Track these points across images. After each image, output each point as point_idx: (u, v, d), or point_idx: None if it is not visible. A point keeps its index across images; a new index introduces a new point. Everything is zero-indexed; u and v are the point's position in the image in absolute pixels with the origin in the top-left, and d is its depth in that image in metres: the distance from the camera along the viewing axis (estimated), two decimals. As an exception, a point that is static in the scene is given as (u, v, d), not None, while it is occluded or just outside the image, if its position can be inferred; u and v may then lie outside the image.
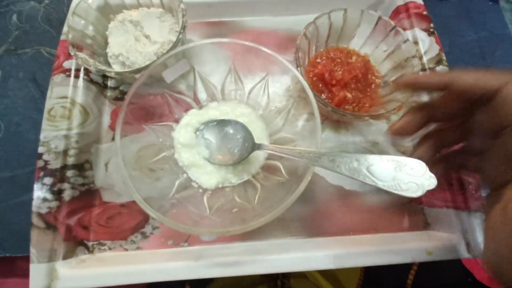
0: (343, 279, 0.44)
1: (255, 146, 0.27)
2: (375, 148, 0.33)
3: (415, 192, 0.18)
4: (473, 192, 0.28)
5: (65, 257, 0.27)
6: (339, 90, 0.31)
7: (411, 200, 0.31)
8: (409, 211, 0.31)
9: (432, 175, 0.18)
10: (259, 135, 0.30)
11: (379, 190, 0.20)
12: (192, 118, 0.30)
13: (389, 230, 0.30)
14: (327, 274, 0.45)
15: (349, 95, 0.31)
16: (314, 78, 0.32)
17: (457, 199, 0.29)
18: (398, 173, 0.19)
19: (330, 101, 0.31)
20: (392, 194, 0.19)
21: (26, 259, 0.30)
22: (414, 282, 0.40)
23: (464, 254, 0.27)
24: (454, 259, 0.27)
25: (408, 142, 0.33)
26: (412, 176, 0.18)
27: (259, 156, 0.30)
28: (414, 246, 0.27)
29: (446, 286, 0.39)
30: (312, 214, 0.30)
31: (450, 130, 0.24)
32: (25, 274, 0.31)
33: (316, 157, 0.22)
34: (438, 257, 0.27)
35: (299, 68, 0.28)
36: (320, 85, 0.32)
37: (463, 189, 0.29)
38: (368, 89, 0.32)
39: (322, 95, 0.31)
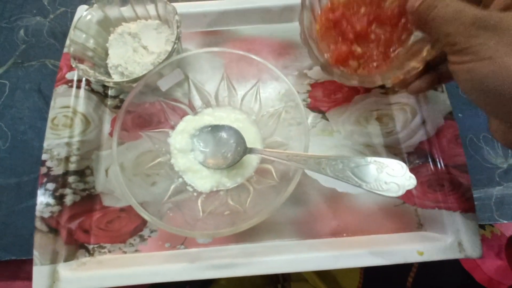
0: (343, 282, 0.44)
1: (247, 150, 0.28)
2: (368, 151, 0.34)
3: (395, 192, 0.19)
4: (464, 193, 0.28)
5: (66, 260, 0.28)
6: (349, 45, 0.27)
7: (404, 201, 0.31)
8: (402, 213, 0.31)
9: (412, 175, 0.19)
10: (253, 140, 0.31)
11: (371, 192, 0.21)
12: (187, 124, 0.32)
13: (382, 232, 0.30)
14: (326, 277, 0.45)
15: (358, 49, 0.27)
16: (327, 26, 0.27)
17: (449, 200, 0.29)
18: (380, 174, 0.19)
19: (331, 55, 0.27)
20: (377, 194, 0.19)
21: (31, 263, 0.31)
22: (413, 284, 0.40)
23: (456, 254, 0.27)
24: (446, 259, 0.27)
25: (399, 145, 0.33)
26: (393, 176, 0.19)
27: (253, 160, 0.31)
28: (407, 247, 0.28)
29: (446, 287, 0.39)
30: (306, 217, 0.31)
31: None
32: (31, 277, 0.33)
33: (303, 159, 0.23)
34: (430, 257, 0.27)
35: (305, 11, 0.27)
36: (334, 35, 0.27)
37: (454, 190, 0.29)
38: (393, 43, 0.27)
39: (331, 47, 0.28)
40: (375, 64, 0.28)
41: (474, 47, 0.17)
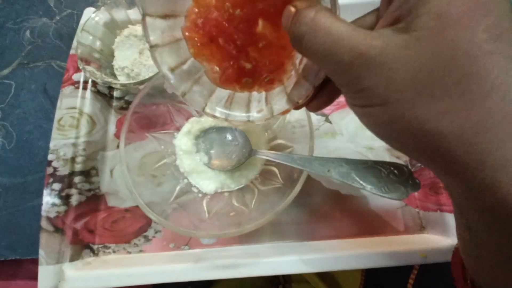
0: (344, 284, 0.44)
1: (252, 152, 0.28)
2: (370, 153, 0.34)
3: (400, 195, 0.19)
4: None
5: (72, 259, 0.28)
6: (235, 64, 0.18)
7: (407, 203, 0.32)
8: (404, 215, 0.31)
9: (417, 179, 0.19)
10: (258, 142, 0.31)
11: (375, 194, 0.21)
12: (193, 126, 0.32)
13: (384, 234, 0.31)
14: (328, 279, 0.45)
15: (247, 65, 0.18)
16: (199, 41, 0.18)
17: (451, 203, 0.29)
18: (384, 176, 0.20)
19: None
20: (381, 196, 0.20)
21: (32, 262, 0.32)
22: (414, 285, 0.40)
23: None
24: (448, 261, 0.27)
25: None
26: (397, 179, 0.19)
27: (257, 162, 0.31)
28: (409, 249, 0.28)
29: (447, 290, 0.39)
30: (309, 218, 0.31)
31: None
32: (31, 277, 0.33)
33: (307, 162, 0.23)
34: (432, 259, 0.27)
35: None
36: (210, 53, 0.18)
37: (456, 192, 0.29)
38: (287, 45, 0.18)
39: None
40: (269, 77, 0.19)
41: (362, 91, 0.13)
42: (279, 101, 0.19)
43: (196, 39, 0.18)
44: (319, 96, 0.18)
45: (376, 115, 0.13)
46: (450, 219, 0.29)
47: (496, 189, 0.12)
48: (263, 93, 0.20)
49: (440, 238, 0.29)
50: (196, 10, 0.17)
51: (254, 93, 0.20)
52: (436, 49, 0.11)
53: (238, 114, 0.20)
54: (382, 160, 0.33)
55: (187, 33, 0.18)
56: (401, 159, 0.34)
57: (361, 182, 0.20)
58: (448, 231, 0.29)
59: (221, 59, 0.18)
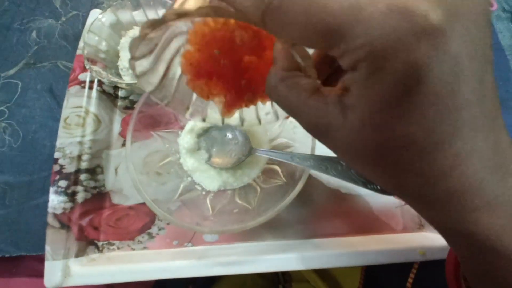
0: (344, 283, 0.45)
1: (252, 150, 0.29)
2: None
3: None
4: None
5: (77, 255, 0.28)
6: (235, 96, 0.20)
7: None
8: (404, 213, 0.32)
9: None
10: (260, 141, 0.32)
11: (375, 193, 0.22)
12: (196, 124, 0.33)
13: (384, 232, 0.31)
14: (327, 277, 0.45)
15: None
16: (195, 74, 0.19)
17: (448, 201, 0.30)
18: None
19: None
20: (379, 194, 0.20)
21: (34, 259, 0.32)
22: (414, 284, 0.41)
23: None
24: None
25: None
26: None
27: (260, 161, 0.32)
28: (408, 246, 0.29)
29: (446, 288, 0.40)
30: (310, 216, 0.32)
31: None
32: (33, 274, 0.33)
33: (306, 159, 0.24)
34: (431, 257, 0.28)
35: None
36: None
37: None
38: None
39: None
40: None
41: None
42: None
43: (196, 84, 0.19)
44: None
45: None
46: (448, 217, 0.29)
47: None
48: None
49: (439, 236, 0.29)
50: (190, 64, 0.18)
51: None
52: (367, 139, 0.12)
53: (249, 118, 0.22)
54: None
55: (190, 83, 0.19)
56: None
57: (360, 179, 0.21)
58: (446, 230, 0.29)
59: (220, 91, 0.19)
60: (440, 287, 0.41)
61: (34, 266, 0.34)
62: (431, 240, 0.29)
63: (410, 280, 0.41)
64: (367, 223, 0.31)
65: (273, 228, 0.31)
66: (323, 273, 0.45)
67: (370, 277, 0.43)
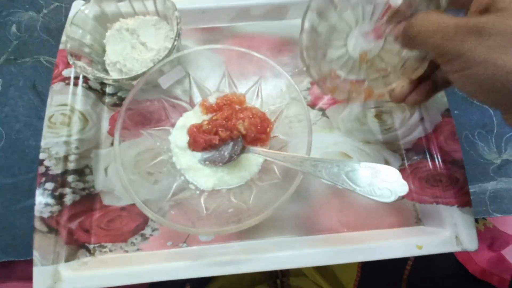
0: (341, 276, 0.45)
1: (245, 149, 0.28)
2: (367, 147, 0.34)
3: (388, 197, 0.19)
4: (461, 187, 0.29)
5: (67, 260, 0.27)
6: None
7: (403, 197, 0.32)
8: (401, 208, 0.32)
9: (405, 182, 0.20)
10: (254, 137, 0.31)
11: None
12: (187, 121, 0.31)
13: (382, 227, 0.31)
14: (325, 271, 0.46)
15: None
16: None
17: (446, 195, 0.30)
18: (374, 179, 0.20)
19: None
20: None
21: (26, 263, 0.31)
22: (409, 276, 0.41)
23: (454, 247, 0.28)
24: (444, 252, 0.28)
25: (398, 141, 0.34)
26: (386, 182, 0.20)
27: (256, 159, 0.31)
28: (406, 241, 0.28)
29: (441, 279, 0.40)
30: (307, 213, 0.31)
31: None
32: (24, 278, 0.32)
33: (299, 161, 0.23)
34: (429, 251, 0.28)
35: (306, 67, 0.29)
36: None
37: (451, 185, 0.30)
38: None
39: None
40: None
41: (465, 53, 0.18)
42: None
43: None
44: (418, 91, 0.26)
45: (475, 74, 0.18)
46: (445, 211, 0.29)
47: None
48: None
49: (436, 230, 0.29)
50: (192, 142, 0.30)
51: None
52: None
53: None
54: (379, 153, 0.33)
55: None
56: (397, 152, 0.34)
57: (350, 183, 0.20)
58: (444, 223, 0.29)
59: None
60: (436, 276, 0.42)
61: (28, 269, 0.33)
62: (429, 233, 0.29)
63: (406, 272, 0.42)
64: (365, 218, 0.31)
65: (269, 225, 0.30)
66: (320, 267, 0.45)
67: (367, 270, 0.43)
